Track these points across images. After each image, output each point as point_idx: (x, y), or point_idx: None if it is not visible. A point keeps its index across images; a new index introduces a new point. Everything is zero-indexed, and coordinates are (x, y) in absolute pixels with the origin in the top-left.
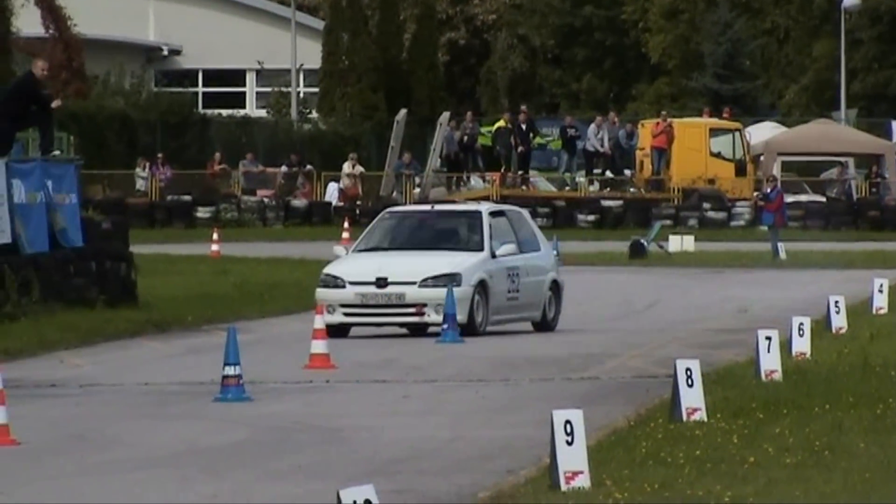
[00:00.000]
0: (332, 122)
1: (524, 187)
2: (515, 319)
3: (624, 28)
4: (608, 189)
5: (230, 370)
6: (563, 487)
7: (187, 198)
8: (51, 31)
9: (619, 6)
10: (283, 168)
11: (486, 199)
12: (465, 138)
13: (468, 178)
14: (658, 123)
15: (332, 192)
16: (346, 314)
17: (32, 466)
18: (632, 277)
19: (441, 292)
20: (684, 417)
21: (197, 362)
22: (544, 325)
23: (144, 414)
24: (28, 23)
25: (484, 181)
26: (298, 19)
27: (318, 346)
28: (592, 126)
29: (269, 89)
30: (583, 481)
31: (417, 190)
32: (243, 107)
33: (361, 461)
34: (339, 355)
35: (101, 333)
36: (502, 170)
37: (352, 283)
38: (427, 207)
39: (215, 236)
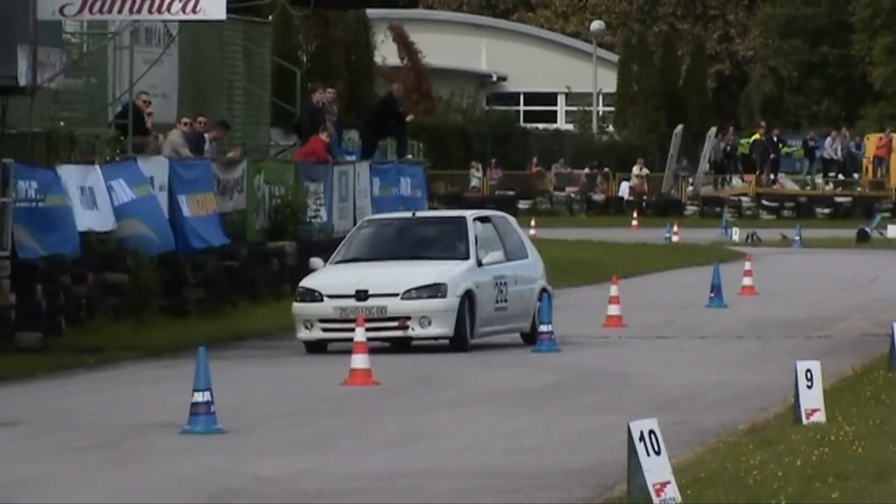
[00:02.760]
0: (624, 135)
1: (774, 186)
2: (503, 331)
3: (853, 62)
4: (840, 188)
5: (545, 327)
6: (804, 421)
7: (511, 193)
8: (405, 62)
9: (848, 45)
10: (586, 170)
11: (745, 195)
12: (728, 148)
13: (730, 178)
14: (881, 138)
15: (624, 189)
16: (326, 329)
17: (388, 402)
18: (858, 258)
19: (425, 304)
20: None
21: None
22: (533, 336)
23: (476, 362)
24: (387, 55)
25: (742, 181)
26: (598, 54)
27: (613, 310)
28: (828, 139)
29: (575, 108)
30: (819, 417)
31: (690, 188)
32: (555, 122)
33: (646, 400)
34: (629, 318)
35: None
36: (757, 173)
37: (330, 297)
38: (408, 215)
39: (533, 223)
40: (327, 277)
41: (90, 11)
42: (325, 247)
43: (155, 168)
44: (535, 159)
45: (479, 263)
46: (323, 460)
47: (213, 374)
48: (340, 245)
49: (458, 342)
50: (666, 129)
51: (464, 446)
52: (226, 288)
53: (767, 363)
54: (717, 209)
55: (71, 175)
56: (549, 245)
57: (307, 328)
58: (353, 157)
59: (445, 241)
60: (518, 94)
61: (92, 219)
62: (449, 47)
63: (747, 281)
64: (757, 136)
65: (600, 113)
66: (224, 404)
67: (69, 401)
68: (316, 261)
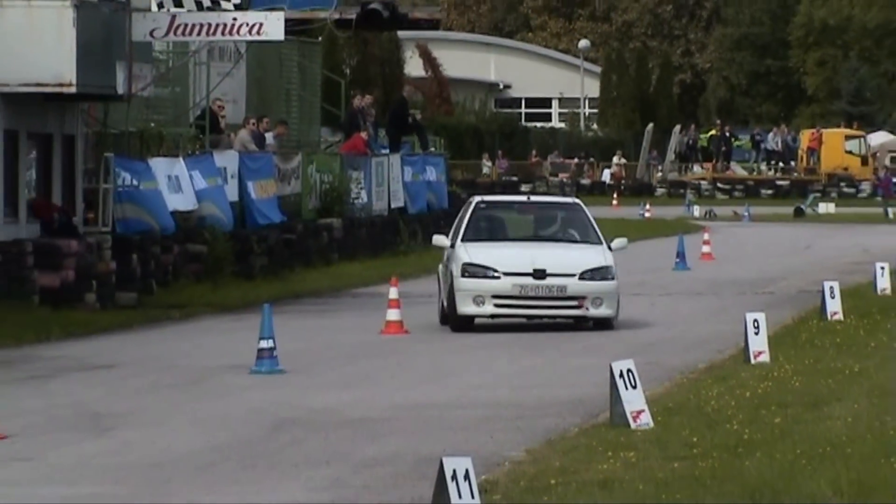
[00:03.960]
0: (606, 131)
1: (727, 172)
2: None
3: (790, 72)
4: (780, 174)
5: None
6: (752, 361)
7: (515, 178)
8: (429, 73)
9: (787, 58)
10: (575, 160)
11: (703, 179)
12: (690, 141)
13: (692, 166)
14: (813, 133)
15: (606, 175)
16: (499, 305)
17: (417, 347)
18: (795, 229)
19: (598, 286)
20: (829, 318)
21: None
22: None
23: None
24: (415, 68)
25: (702, 168)
26: (585, 66)
27: None
28: (771, 134)
29: (566, 110)
30: (764, 358)
31: (659, 174)
32: (550, 121)
33: (625, 345)
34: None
35: (429, 262)
36: (713, 161)
37: (507, 274)
38: (524, 198)
39: None
40: (495, 255)
41: (174, 34)
42: (366, 223)
43: (227, 160)
44: (534, 151)
45: (610, 248)
46: (364, 394)
47: (275, 325)
48: (464, 225)
49: (613, 324)
50: (640, 127)
51: (480, 383)
52: (285, 256)
53: (722, 314)
54: (682, 191)
55: (159, 166)
56: None
57: (478, 304)
58: (387, 151)
59: (575, 226)
60: (520, 98)
61: (178, 200)
62: (464, 61)
63: (706, 248)
64: (713, 131)
65: (586, 114)
66: (284, 350)
67: (159, 347)
68: (440, 238)
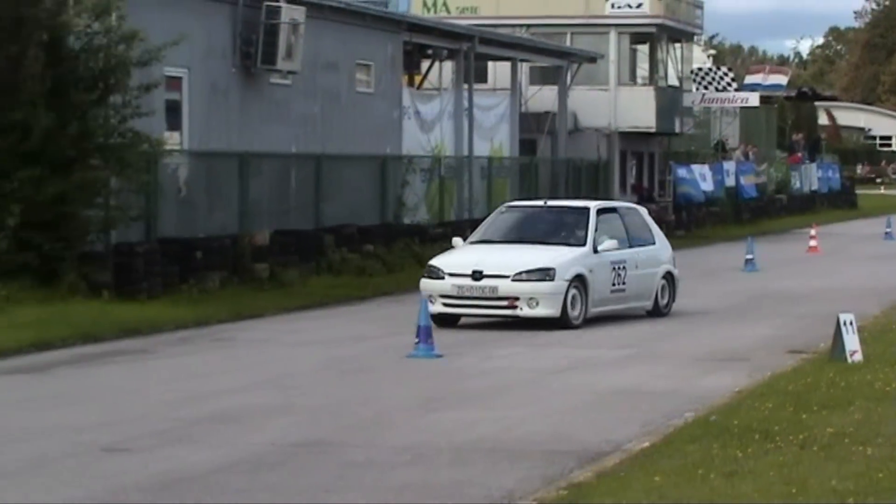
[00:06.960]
0: None
1: None
2: (622, 310)
3: None
4: None
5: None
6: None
7: (872, 175)
8: (830, 123)
9: None
10: None
11: None
12: None
13: None
14: None
15: None
16: (445, 304)
17: (826, 259)
18: None
19: (534, 286)
20: None
21: (872, 226)
22: (656, 312)
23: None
24: (823, 120)
25: None
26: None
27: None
28: None
29: None
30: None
31: None
32: (891, 146)
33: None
34: None
35: (829, 217)
36: None
37: (450, 275)
38: (540, 203)
39: (882, 188)
40: (452, 257)
41: (704, 103)
42: (798, 197)
43: (730, 166)
44: (884, 161)
45: (595, 250)
46: (795, 283)
47: (756, 245)
48: (479, 227)
49: (563, 322)
50: None
51: (846, 279)
52: (759, 213)
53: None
54: None
55: (696, 168)
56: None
57: (431, 302)
58: (809, 162)
59: (568, 229)
60: (876, 135)
61: (705, 185)
62: (848, 117)
63: None
64: None
65: None
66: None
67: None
68: (457, 240)
